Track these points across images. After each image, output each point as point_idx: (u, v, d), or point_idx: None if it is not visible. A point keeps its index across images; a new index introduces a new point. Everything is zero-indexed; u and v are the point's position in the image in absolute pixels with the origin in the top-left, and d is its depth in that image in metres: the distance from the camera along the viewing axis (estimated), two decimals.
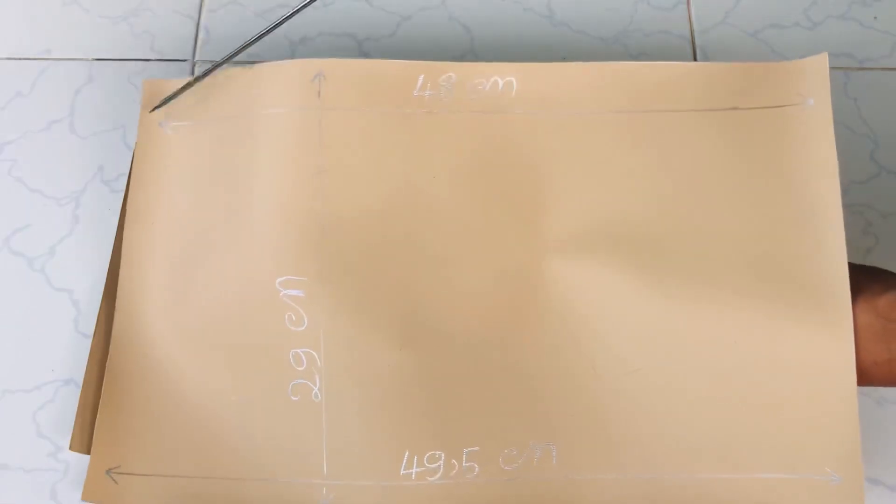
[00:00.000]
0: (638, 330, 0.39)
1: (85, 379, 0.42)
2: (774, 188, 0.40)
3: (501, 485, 0.39)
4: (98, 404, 0.41)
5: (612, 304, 0.40)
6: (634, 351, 0.39)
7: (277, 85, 0.43)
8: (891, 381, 0.37)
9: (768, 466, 0.38)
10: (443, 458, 0.39)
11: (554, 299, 0.40)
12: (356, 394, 0.40)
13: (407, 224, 0.41)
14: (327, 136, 0.42)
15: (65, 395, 0.43)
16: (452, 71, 0.43)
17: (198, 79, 0.44)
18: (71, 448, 0.41)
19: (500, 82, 0.43)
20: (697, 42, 0.51)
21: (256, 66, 0.44)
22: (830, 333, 0.37)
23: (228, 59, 0.41)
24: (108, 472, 0.40)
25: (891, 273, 0.38)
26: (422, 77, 0.43)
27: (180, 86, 0.45)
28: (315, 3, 0.53)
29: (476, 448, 0.39)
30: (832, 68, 0.50)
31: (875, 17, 0.52)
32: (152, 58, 0.51)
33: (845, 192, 0.47)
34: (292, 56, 0.51)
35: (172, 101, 0.45)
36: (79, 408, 0.42)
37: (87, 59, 0.51)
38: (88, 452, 0.40)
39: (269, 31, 0.39)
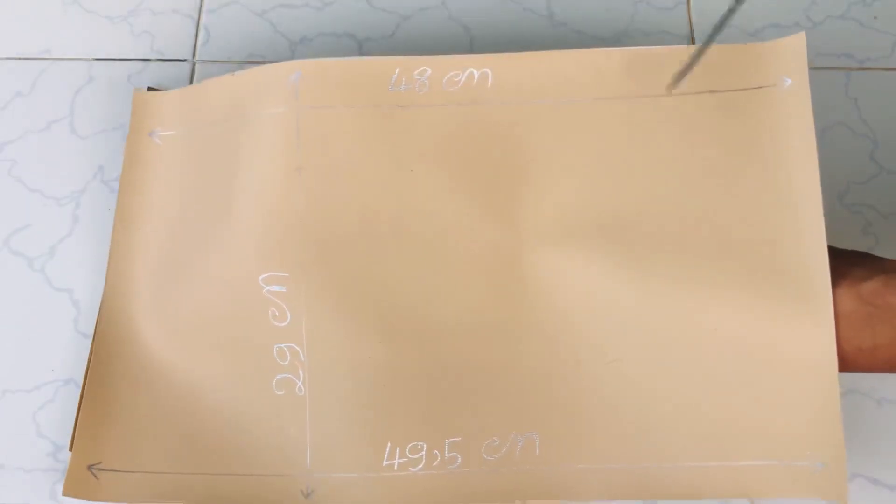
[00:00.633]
0: (617, 320, 0.39)
1: (84, 378, 0.42)
2: (753, 172, 0.40)
3: (484, 475, 0.39)
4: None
5: (590, 294, 0.40)
6: (615, 341, 0.39)
7: (257, 89, 0.44)
8: (875, 368, 0.37)
9: (751, 454, 0.38)
10: (425, 448, 0.39)
11: (533, 290, 0.41)
12: (339, 387, 0.40)
13: (386, 218, 0.41)
14: (305, 135, 0.42)
15: (65, 395, 0.43)
16: (427, 65, 0.43)
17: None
18: (71, 448, 0.41)
19: (476, 74, 0.43)
20: (697, 42, 0.51)
21: (238, 72, 0.44)
22: (811, 319, 0.37)
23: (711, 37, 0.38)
24: (90, 467, 0.40)
25: (875, 257, 0.38)
26: (397, 72, 0.43)
27: (168, 94, 0.46)
28: (315, 4, 0.53)
29: (458, 438, 0.39)
30: (832, 68, 0.50)
31: (875, 17, 0.52)
32: (152, 58, 0.51)
33: (845, 191, 0.47)
34: (292, 56, 0.51)
35: (161, 111, 0.46)
36: (79, 407, 0.42)
37: (87, 59, 0.51)
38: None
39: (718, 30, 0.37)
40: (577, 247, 0.40)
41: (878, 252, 0.44)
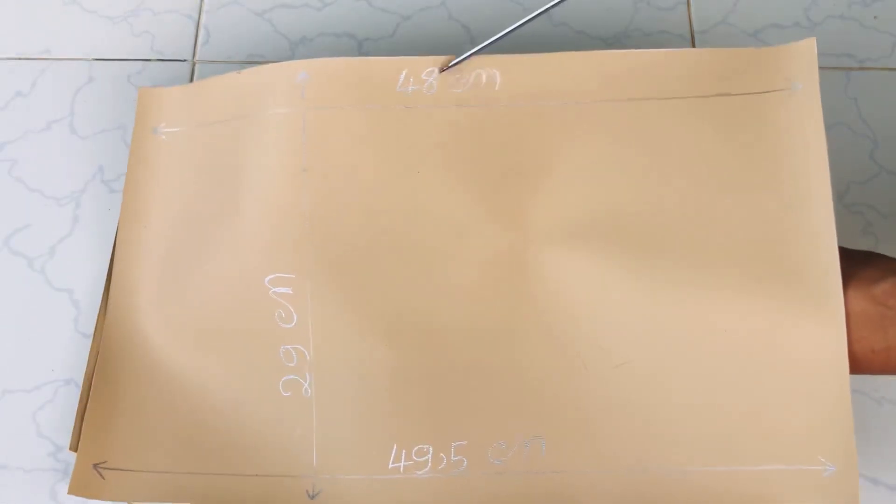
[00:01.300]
0: (625, 322, 0.39)
1: (85, 379, 0.42)
2: (763, 174, 0.40)
3: (490, 478, 0.39)
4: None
5: (597, 297, 0.40)
6: (622, 344, 0.39)
7: (264, 88, 0.43)
8: (888, 370, 0.37)
9: (761, 458, 0.38)
10: (431, 451, 0.39)
11: (540, 292, 0.40)
12: (346, 388, 0.40)
13: (392, 219, 0.41)
14: (311, 136, 0.42)
15: (65, 395, 0.43)
16: (435, 65, 0.43)
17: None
18: (71, 448, 0.41)
19: (483, 75, 0.43)
20: (697, 42, 0.51)
21: (244, 70, 0.44)
22: (822, 320, 0.37)
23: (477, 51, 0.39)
24: (95, 466, 0.40)
25: (886, 258, 0.38)
26: (404, 72, 0.43)
27: (173, 90, 0.46)
28: (315, 4, 0.53)
29: (464, 442, 0.39)
30: (832, 68, 0.50)
31: (875, 17, 0.52)
32: (152, 58, 0.51)
33: (845, 191, 0.47)
34: (292, 56, 0.51)
35: (166, 108, 0.46)
36: (79, 408, 0.42)
37: (87, 59, 0.51)
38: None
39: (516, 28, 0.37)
40: (584, 249, 0.40)
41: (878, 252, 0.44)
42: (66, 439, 0.41)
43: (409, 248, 0.41)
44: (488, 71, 0.43)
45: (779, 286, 0.38)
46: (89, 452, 0.40)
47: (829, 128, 0.48)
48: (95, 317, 0.44)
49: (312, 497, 0.39)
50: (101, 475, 0.40)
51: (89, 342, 0.43)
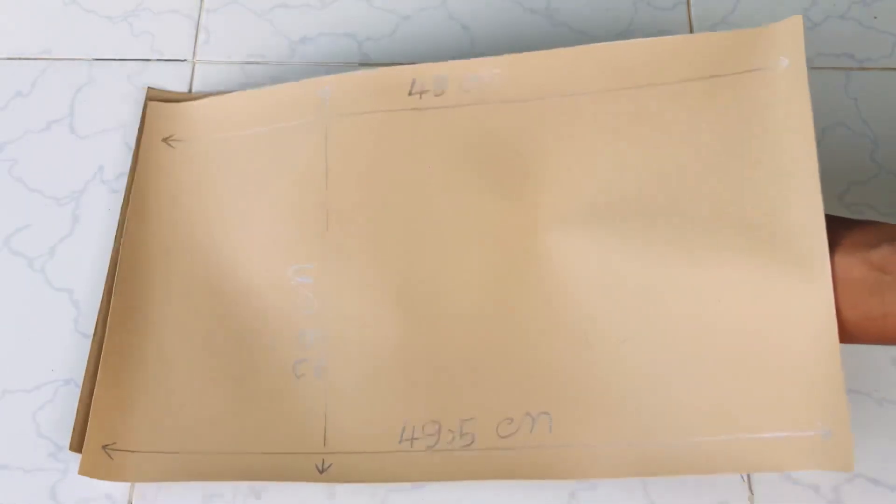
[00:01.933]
0: (626, 300, 0.40)
1: (85, 379, 0.42)
2: (753, 149, 0.40)
3: (498, 454, 0.40)
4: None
5: (599, 276, 0.41)
6: (624, 321, 0.40)
7: (287, 103, 0.47)
8: (884, 338, 0.36)
9: (759, 426, 0.38)
10: (439, 427, 0.40)
11: (546, 274, 0.42)
12: (358, 367, 0.42)
13: (406, 212, 0.44)
14: (333, 140, 0.45)
15: (65, 395, 0.43)
16: (443, 70, 0.46)
17: None
18: (71, 448, 0.41)
19: (488, 75, 0.45)
20: None
21: (265, 88, 0.48)
22: (809, 283, 0.37)
23: None
24: (105, 447, 0.41)
25: (885, 224, 0.37)
26: (415, 79, 0.46)
27: (187, 105, 0.48)
28: (315, 4, 0.53)
29: (473, 418, 0.40)
30: (832, 68, 0.50)
31: (875, 17, 0.52)
32: (152, 58, 0.51)
33: (845, 191, 0.47)
34: (292, 56, 0.51)
35: (177, 119, 0.48)
36: (79, 407, 0.42)
37: (87, 59, 0.51)
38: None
39: None
40: (587, 231, 0.41)
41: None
42: (66, 439, 0.41)
43: (421, 237, 0.43)
44: (493, 71, 0.46)
45: (767, 254, 0.38)
46: (98, 433, 0.41)
47: (829, 128, 0.48)
48: (95, 317, 0.44)
49: (322, 471, 0.40)
50: (109, 456, 0.40)
51: (89, 342, 0.43)
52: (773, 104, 0.41)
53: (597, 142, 0.43)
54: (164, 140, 0.48)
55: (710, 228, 0.40)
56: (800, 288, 0.37)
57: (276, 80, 0.50)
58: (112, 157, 0.48)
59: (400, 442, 0.40)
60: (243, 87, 0.50)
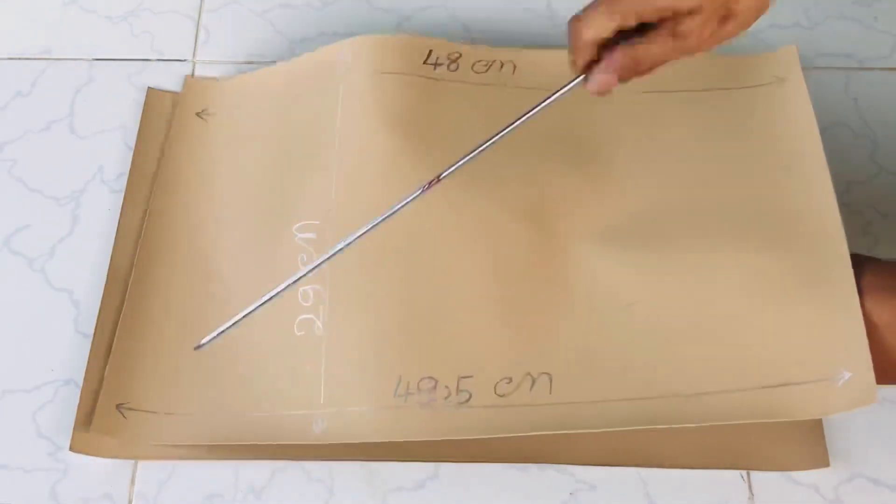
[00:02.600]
0: (633, 266, 0.41)
1: (85, 378, 0.42)
2: (760, 148, 0.44)
3: (495, 411, 0.40)
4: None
5: (603, 243, 0.42)
6: (630, 286, 0.41)
7: (310, 68, 0.49)
8: None
9: (778, 377, 0.38)
10: (436, 384, 0.40)
11: (551, 239, 0.43)
12: (356, 323, 0.42)
13: (410, 174, 0.43)
14: (345, 101, 0.46)
15: (65, 395, 0.43)
16: (458, 49, 0.48)
17: None
18: (71, 448, 0.41)
19: (502, 63, 0.48)
20: None
21: (291, 60, 0.49)
22: (824, 236, 0.40)
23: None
24: (119, 406, 0.41)
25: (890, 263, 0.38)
26: (431, 49, 0.48)
27: (220, 82, 0.50)
28: (315, 4, 0.53)
29: (471, 376, 0.40)
30: (832, 68, 0.50)
31: (875, 18, 0.52)
32: (152, 58, 0.51)
33: (845, 191, 0.47)
34: (292, 56, 0.51)
35: (211, 94, 0.50)
36: (79, 407, 0.42)
37: (87, 59, 0.51)
38: (89, 453, 0.41)
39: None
40: (594, 206, 0.44)
41: (878, 252, 0.44)
42: (66, 439, 0.41)
43: (425, 198, 0.43)
44: (506, 60, 0.48)
45: (780, 219, 0.41)
46: (112, 393, 0.41)
47: (829, 128, 0.48)
48: (95, 317, 0.44)
49: (319, 430, 0.40)
50: (123, 415, 0.41)
51: (89, 342, 0.43)
52: (780, 111, 0.46)
53: (607, 134, 0.45)
54: (198, 114, 0.49)
55: (719, 206, 0.42)
56: (814, 239, 0.40)
57: None
58: (112, 157, 0.48)
59: (395, 396, 0.40)
60: None
